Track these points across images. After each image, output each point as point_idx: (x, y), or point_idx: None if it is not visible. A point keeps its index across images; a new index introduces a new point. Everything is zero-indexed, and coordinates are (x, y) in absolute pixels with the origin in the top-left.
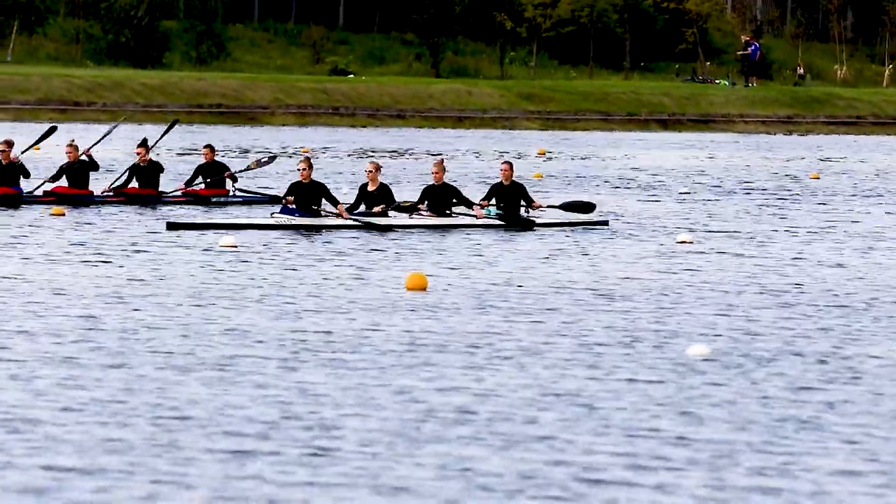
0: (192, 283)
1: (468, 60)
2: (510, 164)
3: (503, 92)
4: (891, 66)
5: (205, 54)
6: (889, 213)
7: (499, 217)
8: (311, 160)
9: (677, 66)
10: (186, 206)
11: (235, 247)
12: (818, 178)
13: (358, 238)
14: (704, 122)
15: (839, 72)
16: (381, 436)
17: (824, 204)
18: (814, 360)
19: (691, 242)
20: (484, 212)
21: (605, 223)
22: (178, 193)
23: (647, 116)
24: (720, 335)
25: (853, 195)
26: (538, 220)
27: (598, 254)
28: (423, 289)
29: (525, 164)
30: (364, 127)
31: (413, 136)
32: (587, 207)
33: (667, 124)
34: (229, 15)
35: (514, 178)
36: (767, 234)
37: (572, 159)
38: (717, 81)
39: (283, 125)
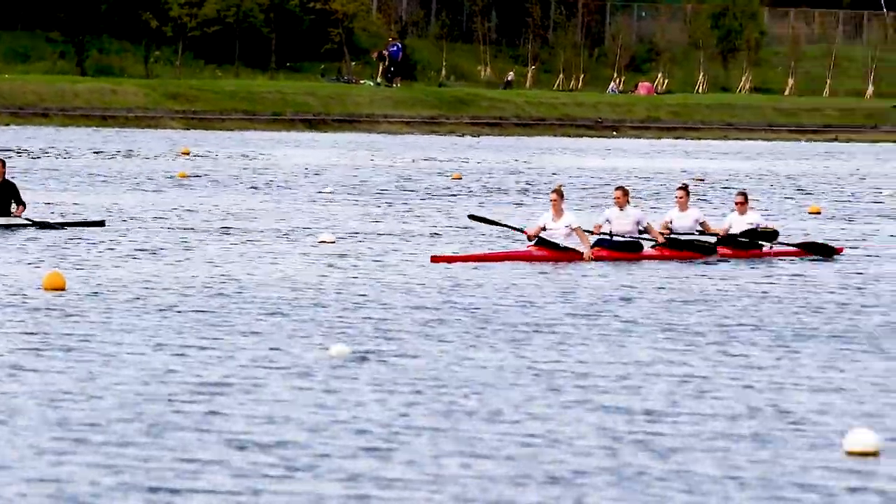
0: None
1: (113, 59)
2: (2, 161)
3: (148, 91)
4: (534, 67)
5: None
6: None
7: None
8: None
9: (323, 66)
10: None
11: None
12: (460, 178)
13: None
14: (349, 122)
15: (482, 73)
16: None
17: (473, 203)
18: (435, 362)
19: (333, 242)
20: None
21: (102, 223)
22: None
23: (292, 116)
24: (357, 335)
25: (496, 193)
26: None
27: (235, 254)
28: (62, 288)
29: (172, 164)
30: (7, 125)
31: (56, 136)
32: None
33: (312, 124)
34: None
35: (6, 177)
36: (406, 234)
37: (226, 158)
38: (362, 82)
39: None
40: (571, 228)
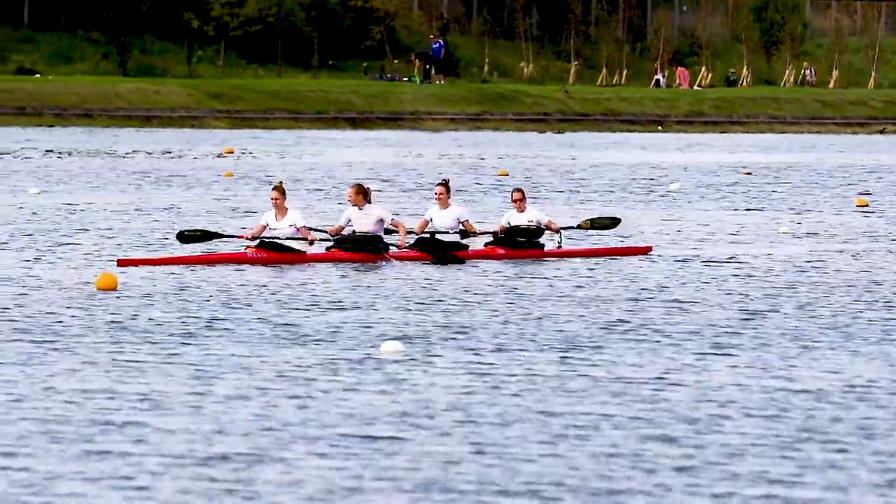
0: None
1: (156, 60)
2: None
3: (191, 91)
4: (576, 63)
5: None
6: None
7: None
8: None
9: (365, 63)
10: None
11: None
12: (507, 175)
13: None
14: (393, 120)
15: (525, 69)
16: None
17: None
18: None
19: None
20: None
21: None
22: None
23: (335, 115)
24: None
25: (546, 192)
26: None
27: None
28: (114, 288)
29: (214, 163)
30: (51, 126)
31: (100, 136)
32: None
33: (356, 122)
34: None
35: None
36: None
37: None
38: (406, 79)
39: None
40: (296, 228)
